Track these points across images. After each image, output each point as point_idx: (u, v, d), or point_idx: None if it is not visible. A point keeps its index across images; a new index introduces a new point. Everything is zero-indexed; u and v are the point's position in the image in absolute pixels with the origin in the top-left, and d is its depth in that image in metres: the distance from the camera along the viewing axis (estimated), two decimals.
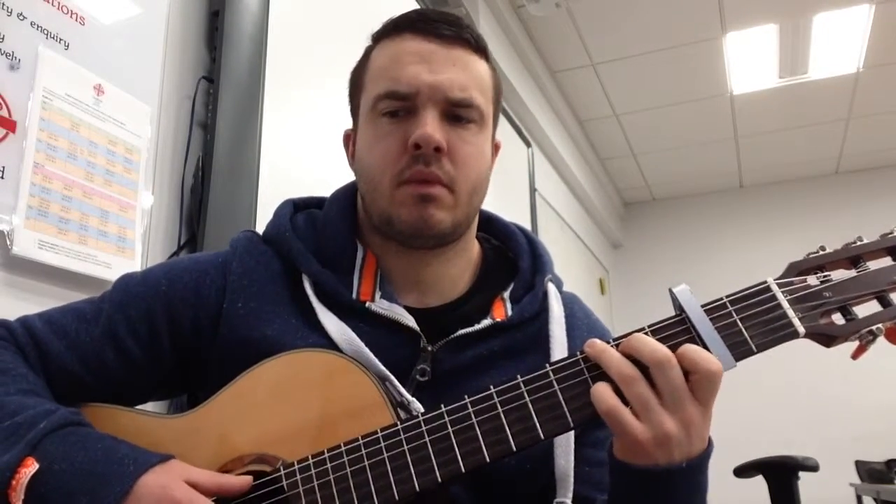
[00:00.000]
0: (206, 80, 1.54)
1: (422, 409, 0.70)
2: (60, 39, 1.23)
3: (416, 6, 2.46)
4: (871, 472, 3.88)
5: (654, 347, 0.61)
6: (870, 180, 5.18)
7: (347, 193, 0.87)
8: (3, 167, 1.10)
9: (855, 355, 0.66)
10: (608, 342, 0.65)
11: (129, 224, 1.32)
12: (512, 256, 0.87)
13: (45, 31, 1.20)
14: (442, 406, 0.65)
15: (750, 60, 3.82)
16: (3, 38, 1.12)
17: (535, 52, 3.66)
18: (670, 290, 0.67)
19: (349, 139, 0.86)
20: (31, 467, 0.60)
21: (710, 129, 4.63)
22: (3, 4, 1.13)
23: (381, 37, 0.81)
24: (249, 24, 1.59)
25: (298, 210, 0.87)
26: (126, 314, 0.76)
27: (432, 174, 0.73)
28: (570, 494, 0.74)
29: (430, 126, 0.72)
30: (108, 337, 0.75)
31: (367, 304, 0.76)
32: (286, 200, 0.88)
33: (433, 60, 0.75)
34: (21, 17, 1.16)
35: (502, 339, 0.79)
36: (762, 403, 4.68)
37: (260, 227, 0.87)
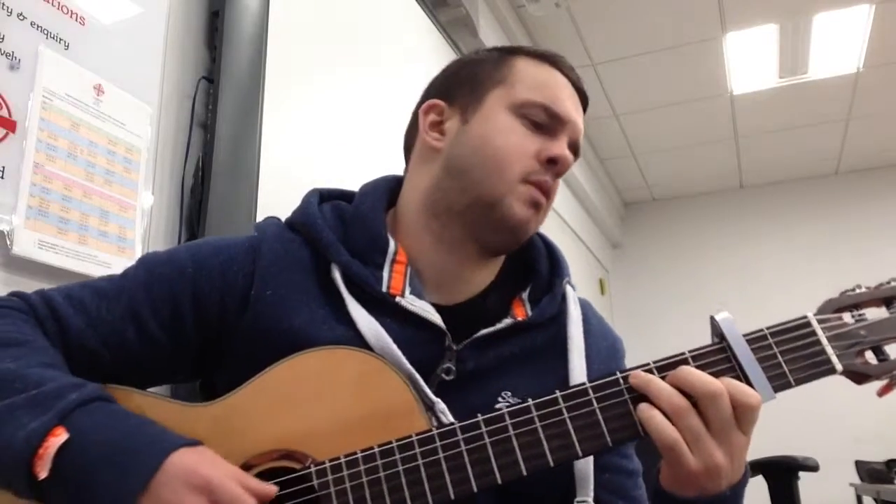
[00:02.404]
0: (206, 80, 1.54)
1: (446, 410, 0.70)
2: (60, 39, 1.23)
3: (416, 7, 2.47)
4: (871, 472, 3.88)
5: (705, 380, 0.63)
6: (870, 180, 5.18)
7: (380, 188, 0.87)
8: (3, 167, 1.10)
9: (882, 393, 0.69)
10: (650, 369, 0.66)
11: (129, 224, 1.32)
12: (527, 258, 0.88)
13: (45, 31, 1.20)
14: (479, 415, 0.65)
15: (750, 60, 3.82)
16: (3, 38, 1.12)
17: None
18: (711, 318, 0.69)
19: (433, 110, 0.86)
20: (60, 436, 0.58)
21: (710, 129, 4.63)
22: (3, 4, 1.13)
23: (526, 55, 0.85)
24: (249, 24, 1.59)
25: (324, 200, 0.87)
26: (150, 295, 0.75)
27: (551, 189, 0.81)
28: (592, 494, 0.75)
29: (567, 151, 0.81)
30: (130, 316, 0.74)
31: (397, 299, 0.76)
32: (313, 189, 0.88)
33: (575, 105, 0.83)
34: (21, 17, 1.16)
35: (522, 340, 0.80)
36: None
37: None
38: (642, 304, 5.37)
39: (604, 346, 0.86)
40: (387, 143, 2.10)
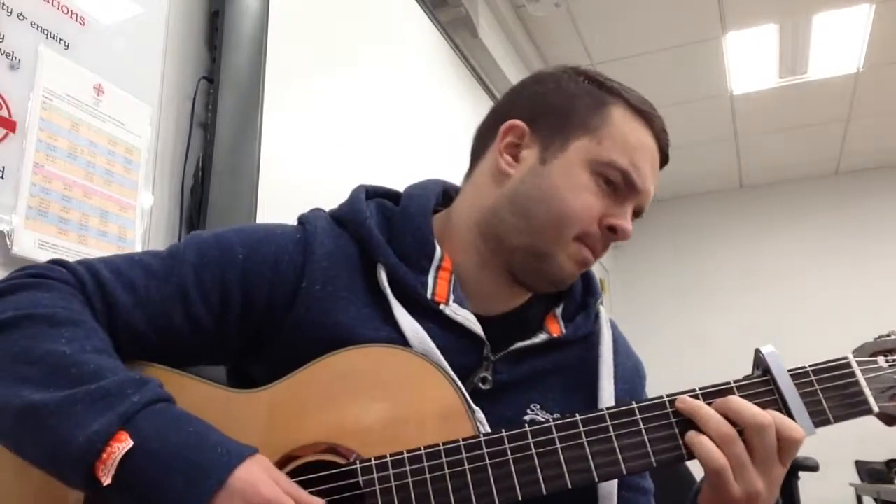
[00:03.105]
0: (206, 80, 1.54)
1: (483, 420, 0.71)
2: (60, 39, 1.23)
3: (416, 7, 2.47)
4: (871, 472, 3.88)
5: (754, 412, 0.65)
6: (870, 180, 5.18)
7: (428, 192, 0.86)
8: (3, 167, 1.10)
9: None
10: (696, 395, 0.68)
11: (129, 224, 1.32)
12: None
13: (45, 31, 1.20)
14: (526, 426, 0.66)
15: (750, 60, 3.82)
16: (3, 38, 1.12)
17: (536, 52, 3.66)
18: (757, 351, 0.71)
19: (513, 132, 0.83)
20: (125, 443, 0.57)
21: (710, 129, 4.63)
22: (3, 4, 1.13)
23: (625, 102, 0.81)
24: (249, 24, 1.59)
25: (369, 197, 0.86)
26: (199, 277, 0.74)
27: (601, 255, 0.81)
28: None
29: (630, 223, 0.80)
30: (179, 298, 0.73)
31: (442, 307, 0.77)
32: (360, 185, 0.87)
33: (654, 171, 0.82)
34: (21, 17, 1.16)
35: (555, 356, 0.81)
36: None
37: None
38: (642, 304, 5.37)
39: (629, 366, 0.88)
40: (387, 143, 2.10)
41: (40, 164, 1.15)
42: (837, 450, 4.06)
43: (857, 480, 3.90)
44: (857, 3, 3.33)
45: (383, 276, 0.77)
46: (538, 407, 0.78)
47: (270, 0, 1.65)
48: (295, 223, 0.84)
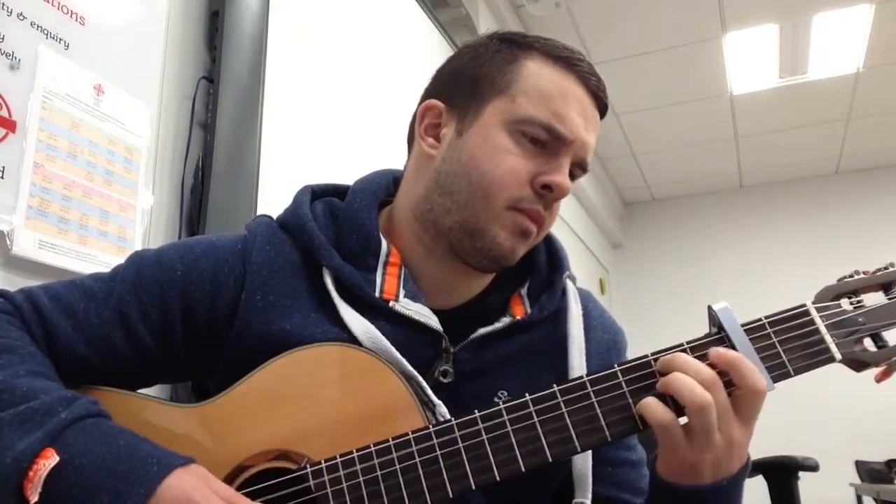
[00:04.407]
0: (206, 80, 1.54)
1: (446, 413, 0.69)
2: (60, 39, 1.23)
3: (416, 7, 2.47)
4: (871, 472, 3.87)
5: (698, 369, 0.62)
6: (870, 180, 5.18)
7: (373, 185, 0.83)
8: (3, 167, 1.10)
9: (879, 379, 0.68)
10: (647, 361, 0.65)
11: (129, 224, 1.32)
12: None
13: (45, 31, 1.20)
14: (476, 412, 0.64)
15: (750, 60, 3.82)
16: (3, 38, 1.12)
17: None
18: (709, 308, 0.68)
19: (430, 112, 0.80)
20: (51, 459, 0.57)
21: (710, 129, 4.63)
22: (3, 4, 1.13)
23: (540, 53, 0.76)
24: (249, 24, 1.59)
25: (316, 197, 0.84)
26: (138, 297, 0.72)
27: (542, 217, 0.75)
28: (589, 495, 0.74)
29: (566, 177, 0.74)
30: (118, 320, 0.72)
31: (391, 304, 0.74)
32: (305, 187, 0.85)
33: (587, 118, 0.75)
34: (21, 17, 1.16)
35: (521, 338, 0.78)
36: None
37: None
38: (642, 304, 5.36)
39: (604, 339, 0.84)
40: (386, 143, 2.10)
41: (40, 164, 1.15)
42: (837, 450, 4.07)
43: (857, 480, 3.90)
44: (857, 3, 3.32)
45: (328, 280, 0.75)
46: (506, 394, 0.74)
47: (270, 0, 1.65)
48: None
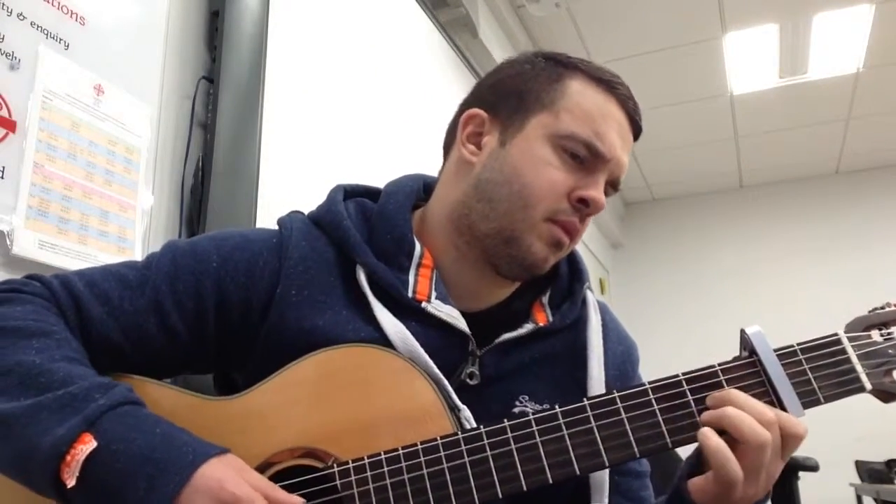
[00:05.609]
0: (206, 80, 1.54)
1: (470, 417, 0.70)
2: (60, 39, 1.23)
3: (416, 7, 2.47)
4: (871, 472, 3.88)
5: (760, 409, 0.63)
6: (870, 180, 5.18)
7: (406, 189, 0.85)
8: (3, 167, 1.10)
9: None
10: (679, 381, 0.66)
11: (129, 224, 1.32)
12: None
13: (45, 31, 1.20)
14: (505, 420, 0.65)
15: (750, 60, 3.82)
16: (3, 38, 1.12)
17: None
18: (742, 331, 0.68)
19: (473, 121, 0.82)
20: (88, 444, 0.57)
21: (710, 129, 4.63)
22: (3, 4, 1.13)
23: (584, 74, 0.80)
24: (249, 24, 1.59)
25: (348, 196, 0.85)
26: (173, 287, 0.73)
27: (577, 230, 0.78)
28: (606, 500, 0.76)
29: (602, 193, 0.77)
30: (153, 309, 0.72)
31: (423, 305, 0.76)
32: (338, 185, 0.86)
33: (624, 139, 0.78)
34: (21, 17, 1.16)
35: (542, 345, 0.80)
36: None
37: (260, 227, 0.86)
38: (642, 304, 5.36)
39: (619, 351, 0.86)
40: (386, 143, 2.10)
41: (40, 164, 1.15)
42: (837, 450, 4.06)
43: (857, 480, 3.90)
44: (857, 3, 3.33)
45: (362, 277, 0.77)
46: (527, 399, 0.77)
47: (270, 0, 1.65)
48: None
